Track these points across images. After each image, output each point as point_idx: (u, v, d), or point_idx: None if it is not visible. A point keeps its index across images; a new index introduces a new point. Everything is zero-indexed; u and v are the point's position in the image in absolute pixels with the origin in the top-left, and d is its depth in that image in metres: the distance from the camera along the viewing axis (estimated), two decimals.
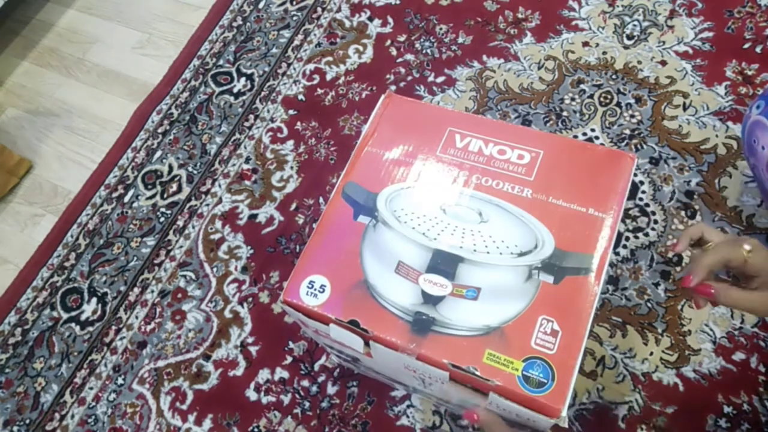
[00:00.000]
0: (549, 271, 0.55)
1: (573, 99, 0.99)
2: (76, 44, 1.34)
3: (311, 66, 1.14)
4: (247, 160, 1.07)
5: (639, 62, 0.99)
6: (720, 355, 0.77)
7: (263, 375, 0.87)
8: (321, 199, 1.00)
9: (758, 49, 0.96)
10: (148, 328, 0.95)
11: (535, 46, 1.05)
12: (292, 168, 1.04)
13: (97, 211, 1.09)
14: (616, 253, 0.85)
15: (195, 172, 1.08)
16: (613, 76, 0.99)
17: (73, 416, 0.91)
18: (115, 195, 1.10)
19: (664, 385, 0.76)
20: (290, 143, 1.07)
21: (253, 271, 0.96)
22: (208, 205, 1.04)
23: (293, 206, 1.00)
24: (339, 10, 1.19)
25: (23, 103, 1.29)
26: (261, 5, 1.24)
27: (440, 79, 1.06)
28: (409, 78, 1.08)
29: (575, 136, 0.95)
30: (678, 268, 0.82)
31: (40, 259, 1.06)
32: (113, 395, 0.91)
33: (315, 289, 0.58)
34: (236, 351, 0.90)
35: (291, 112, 1.10)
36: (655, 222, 0.86)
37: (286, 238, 0.98)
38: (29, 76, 1.32)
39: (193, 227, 1.02)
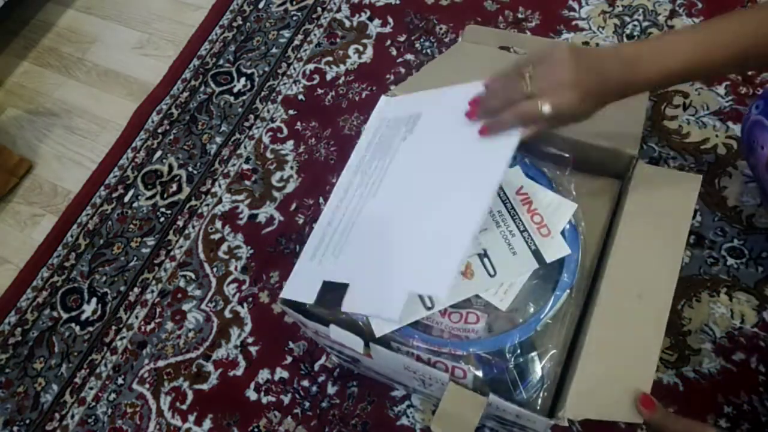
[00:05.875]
0: None
1: None
2: (76, 44, 1.34)
3: (311, 66, 1.14)
4: (247, 160, 1.07)
5: None
6: (720, 355, 0.77)
7: (263, 375, 0.87)
8: (321, 199, 1.00)
9: None
10: (148, 328, 0.95)
11: None
12: (292, 168, 1.04)
13: (97, 211, 1.09)
14: None
15: (195, 172, 1.08)
16: None
17: (73, 416, 0.91)
18: (115, 195, 1.10)
19: (664, 385, 0.76)
20: (290, 143, 1.07)
21: (253, 271, 0.96)
22: (208, 205, 1.04)
23: (293, 206, 1.00)
24: (339, 10, 1.19)
25: (23, 103, 1.29)
26: (261, 5, 1.24)
27: None
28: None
29: None
30: None
31: (40, 259, 1.06)
32: (113, 395, 0.91)
33: None
34: (236, 351, 0.90)
35: (291, 112, 1.10)
36: None
37: (286, 238, 0.98)
38: (29, 76, 1.32)
39: (193, 227, 1.02)
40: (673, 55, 0.50)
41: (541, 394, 0.53)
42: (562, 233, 0.58)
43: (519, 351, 0.53)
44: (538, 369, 0.54)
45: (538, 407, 0.53)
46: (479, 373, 0.53)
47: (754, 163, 0.71)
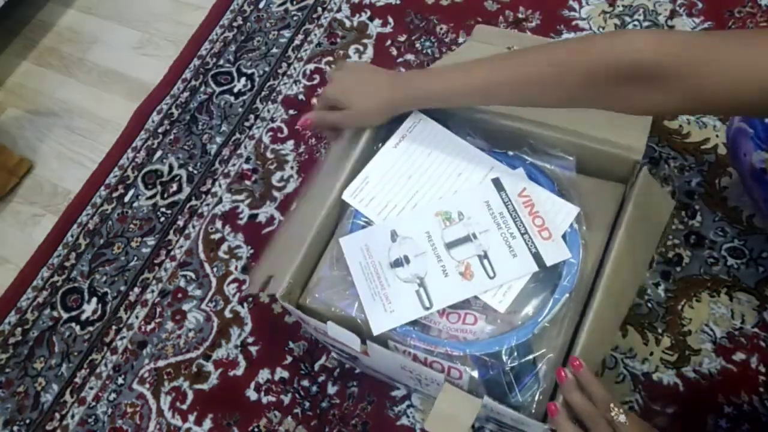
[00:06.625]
0: None
1: None
2: (76, 44, 1.34)
3: (311, 66, 1.14)
4: (248, 160, 1.07)
5: None
6: (720, 355, 0.77)
7: (263, 375, 0.87)
8: None
9: None
10: (149, 328, 0.95)
11: None
12: (292, 168, 1.04)
13: (97, 211, 1.09)
14: None
15: (195, 171, 1.08)
16: None
17: (73, 416, 0.91)
18: (115, 195, 1.10)
19: (664, 385, 0.76)
20: (290, 143, 1.07)
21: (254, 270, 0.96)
22: (208, 204, 1.04)
23: (293, 206, 1.00)
24: (339, 10, 1.19)
25: (23, 103, 1.29)
26: (261, 5, 1.24)
27: None
28: None
29: None
30: (678, 268, 0.82)
31: (40, 258, 1.07)
32: (113, 395, 0.91)
33: None
34: (236, 351, 0.90)
35: (291, 111, 1.10)
36: None
37: None
38: (29, 76, 1.32)
39: (194, 227, 1.03)
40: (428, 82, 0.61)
41: (536, 398, 0.53)
42: (564, 237, 0.58)
43: (516, 353, 0.53)
44: (534, 372, 0.54)
45: (533, 410, 0.53)
46: (475, 374, 0.53)
47: (739, 170, 0.72)
